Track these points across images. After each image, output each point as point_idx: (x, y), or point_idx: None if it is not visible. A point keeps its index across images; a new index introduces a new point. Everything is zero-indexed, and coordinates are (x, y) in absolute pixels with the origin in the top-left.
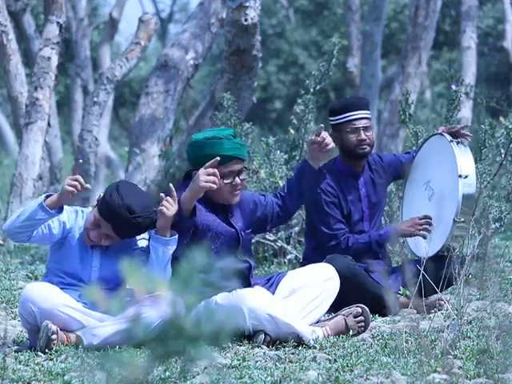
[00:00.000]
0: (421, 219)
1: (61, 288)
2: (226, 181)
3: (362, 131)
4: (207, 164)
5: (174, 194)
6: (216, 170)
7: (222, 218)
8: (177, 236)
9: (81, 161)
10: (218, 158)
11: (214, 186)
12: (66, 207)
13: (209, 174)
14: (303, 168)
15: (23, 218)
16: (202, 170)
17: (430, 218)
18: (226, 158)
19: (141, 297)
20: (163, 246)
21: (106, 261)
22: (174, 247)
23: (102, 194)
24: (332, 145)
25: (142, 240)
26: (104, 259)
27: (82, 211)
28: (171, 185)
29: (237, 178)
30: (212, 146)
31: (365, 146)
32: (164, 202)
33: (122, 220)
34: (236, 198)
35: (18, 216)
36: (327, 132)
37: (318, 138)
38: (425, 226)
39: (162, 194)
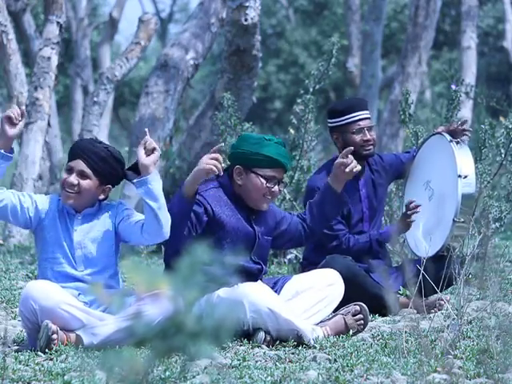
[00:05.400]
0: (408, 206)
1: (60, 286)
2: (268, 184)
3: (366, 131)
4: (213, 149)
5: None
6: (219, 156)
7: (244, 216)
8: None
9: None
10: (222, 145)
11: (215, 170)
12: (38, 195)
13: (211, 159)
14: (325, 192)
15: None
16: (205, 156)
17: (417, 206)
18: (276, 163)
19: (142, 294)
20: (148, 184)
21: (87, 225)
22: (159, 182)
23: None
24: (358, 168)
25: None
26: (85, 222)
27: (55, 195)
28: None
29: (276, 186)
30: (266, 146)
31: (370, 147)
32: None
33: (88, 151)
34: (266, 205)
35: None
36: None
37: (348, 160)
38: (414, 210)
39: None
